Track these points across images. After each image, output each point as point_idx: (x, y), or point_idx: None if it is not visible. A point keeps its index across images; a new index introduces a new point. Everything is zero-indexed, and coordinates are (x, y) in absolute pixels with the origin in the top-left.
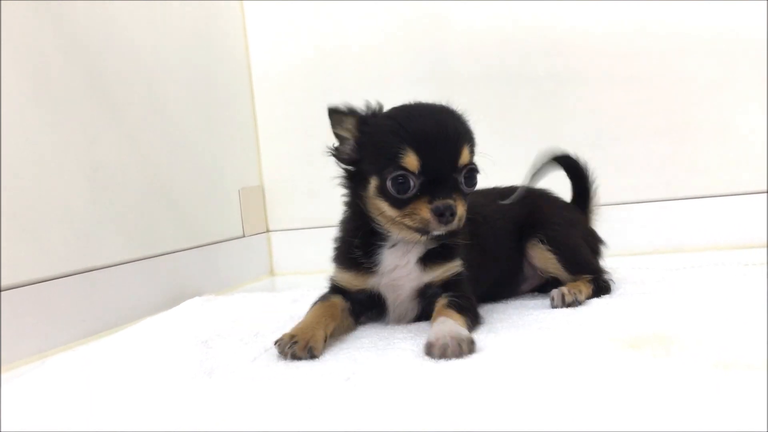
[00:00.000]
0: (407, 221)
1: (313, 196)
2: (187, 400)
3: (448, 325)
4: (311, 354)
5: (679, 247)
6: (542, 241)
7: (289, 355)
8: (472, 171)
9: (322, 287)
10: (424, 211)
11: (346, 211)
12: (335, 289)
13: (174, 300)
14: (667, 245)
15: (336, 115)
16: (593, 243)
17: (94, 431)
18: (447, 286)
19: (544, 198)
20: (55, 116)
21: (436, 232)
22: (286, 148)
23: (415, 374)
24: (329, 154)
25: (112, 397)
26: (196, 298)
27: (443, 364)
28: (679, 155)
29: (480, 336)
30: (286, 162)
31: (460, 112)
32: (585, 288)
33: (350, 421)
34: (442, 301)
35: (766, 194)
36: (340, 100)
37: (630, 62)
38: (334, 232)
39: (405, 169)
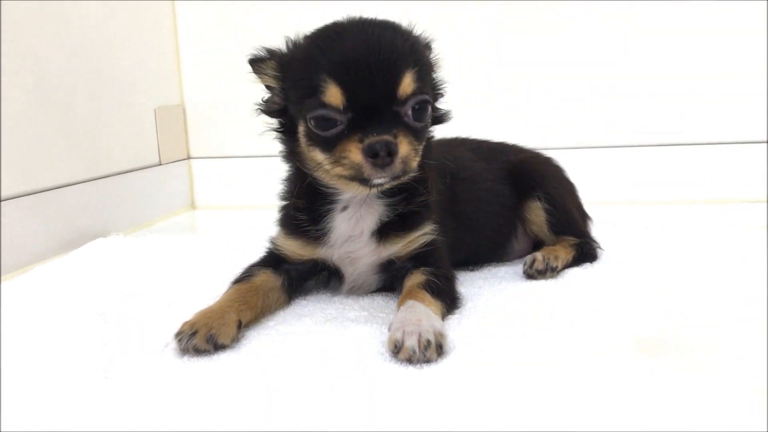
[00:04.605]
0: (339, 169)
1: (243, 120)
2: (78, 413)
3: (416, 312)
4: (215, 344)
5: (657, 199)
6: (539, 199)
7: (190, 350)
8: (421, 102)
9: (255, 232)
10: (354, 153)
11: (287, 169)
12: (271, 258)
13: (75, 241)
14: (646, 195)
15: (256, 64)
16: (582, 215)
17: None
18: (418, 258)
19: (546, 162)
20: None
21: (377, 181)
22: (213, 61)
23: (376, 379)
24: (257, 111)
25: None
26: (99, 240)
27: (409, 369)
28: (669, 100)
29: (449, 323)
30: (211, 78)
31: (408, 27)
32: (563, 253)
33: None
34: (414, 279)
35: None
36: (277, 16)
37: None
38: (267, 166)
39: (327, 104)
